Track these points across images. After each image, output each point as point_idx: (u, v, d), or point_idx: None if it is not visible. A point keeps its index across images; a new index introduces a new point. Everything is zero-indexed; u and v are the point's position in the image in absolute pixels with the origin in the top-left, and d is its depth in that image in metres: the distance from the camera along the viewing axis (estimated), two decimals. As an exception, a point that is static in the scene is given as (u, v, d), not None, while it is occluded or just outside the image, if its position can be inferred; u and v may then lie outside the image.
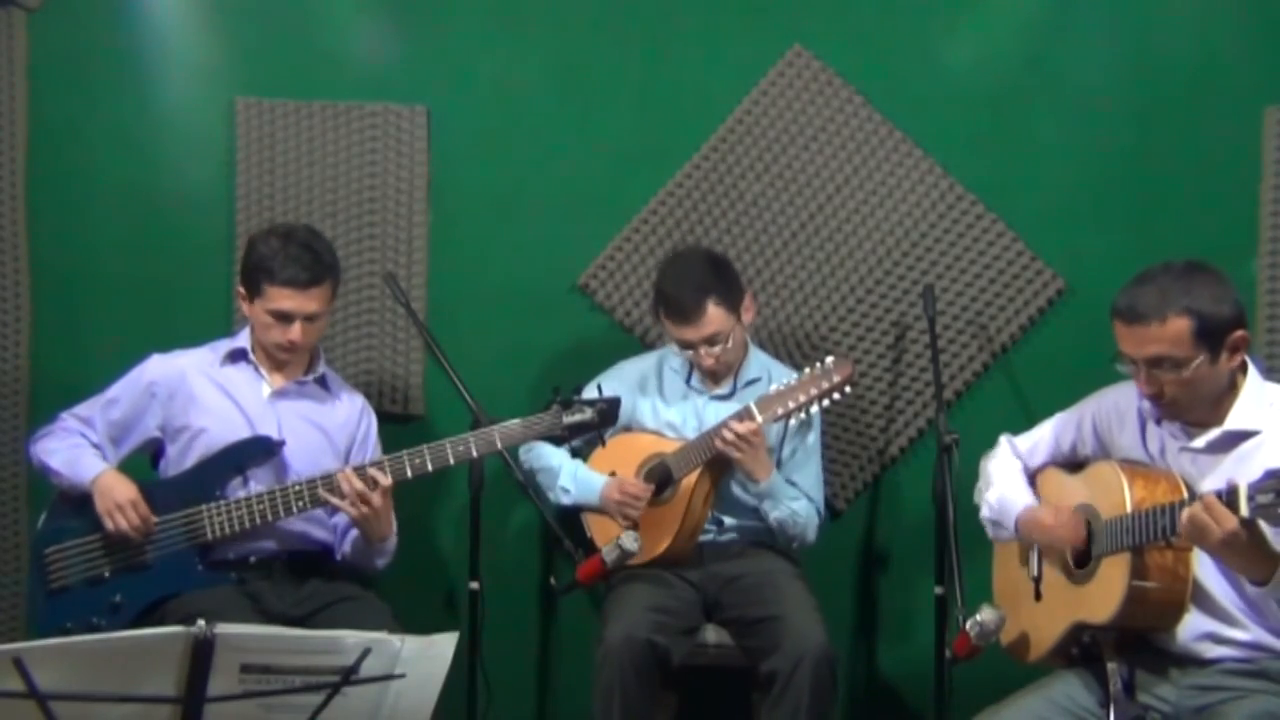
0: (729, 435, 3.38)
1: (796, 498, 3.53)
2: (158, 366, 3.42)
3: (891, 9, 3.88)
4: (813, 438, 3.61)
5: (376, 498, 3.22)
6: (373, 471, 3.24)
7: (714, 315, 3.45)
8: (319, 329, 3.41)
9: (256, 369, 3.42)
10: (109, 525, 3.22)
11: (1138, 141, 3.82)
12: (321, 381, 3.48)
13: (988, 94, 3.86)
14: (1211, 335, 2.66)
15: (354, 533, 3.38)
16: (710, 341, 3.47)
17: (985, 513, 3.11)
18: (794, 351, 3.89)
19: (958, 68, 3.86)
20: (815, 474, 3.62)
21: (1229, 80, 3.77)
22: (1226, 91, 3.77)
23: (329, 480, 3.24)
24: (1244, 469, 2.64)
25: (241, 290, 3.38)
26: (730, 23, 3.91)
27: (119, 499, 3.22)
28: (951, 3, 3.88)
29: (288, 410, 3.40)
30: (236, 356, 3.43)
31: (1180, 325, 2.65)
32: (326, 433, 3.43)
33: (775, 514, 3.51)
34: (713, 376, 3.60)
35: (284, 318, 3.31)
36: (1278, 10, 3.76)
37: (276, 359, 3.41)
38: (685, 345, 3.50)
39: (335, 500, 3.23)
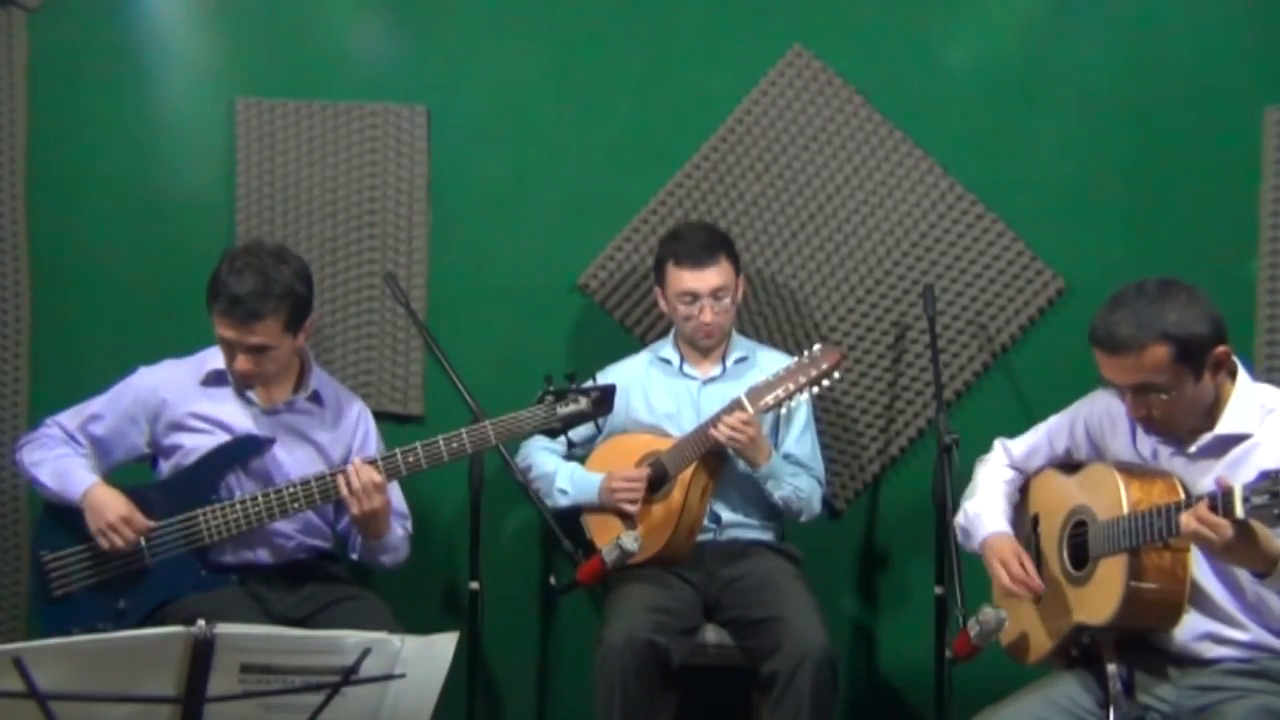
0: (725, 430, 3.38)
1: (796, 474, 3.56)
2: (143, 384, 3.35)
3: (891, 9, 3.88)
4: (804, 412, 3.63)
5: (376, 496, 3.21)
6: (366, 470, 3.20)
7: (724, 267, 3.53)
8: (278, 359, 3.25)
9: (238, 390, 3.34)
10: (103, 544, 3.18)
11: (1138, 141, 3.82)
12: (315, 398, 3.39)
13: (988, 94, 3.86)
14: (1192, 357, 2.64)
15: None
16: (715, 294, 3.51)
17: (959, 519, 3.12)
18: (794, 351, 3.88)
19: (958, 68, 3.86)
20: (811, 445, 3.65)
21: (1229, 80, 3.77)
22: (1226, 91, 3.77)
23: (324, 478, 3.22)
24: (1237, 472, 2.64)
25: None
26: (730, 23, 3.91)
27: (110, 518, 3.16)
28: (951, 3, 3.88)
29: (279, 431, 3.33)
30: (218, 379, 3.33)
31: (1159, 353, 2.63)
32: (321, 449, 3.38)
33: (779, 493, 3.53)
34: (704, 348, 3.62)
35: (227, 345, 3.22)
36: (1278, 10, 3.76)
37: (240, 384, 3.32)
38: (690, 298, 3.53)
39: (343, 491, 3.19)
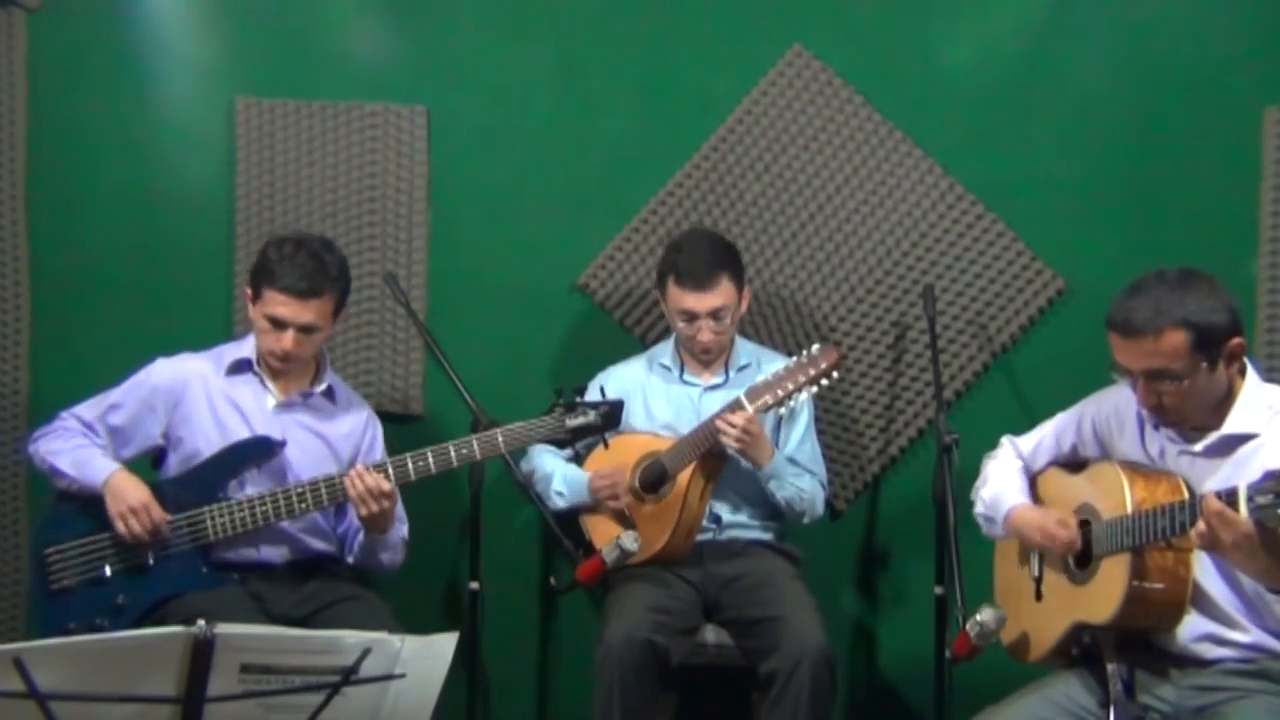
0: (728, 430, 3.38)
1: (800, 475, 3.56)
2: (162, 373, 3.37)
3: (891, 9, 3.88)
4: (805, 416, 3.62)
5: (384, 500, 3.21)
6: (374, 476, 3.20)
7: (725, 288, 3.49)
8: (316, 341, 3.35)
9: (261, 380, 3.37)
10: (121, 529, 3.19)
11: (1138, 141, 3.82)
12: (328, 394, 3.43)
13: (988, 94, 3.86)
14: (1209, 346, 2.64)
15: (361, 536, 3.37)
16: (715, 315, 3.49)
17: (979, 508, 3.12)
18: (794, 351, 3.88)
19: (958, 68, 3.86)
20: (812, 448, 3.64)
21: (1229, 80, 3.77)
22: (1226, 91, 3.77)
23: (332, 481, 3.23)
24: (1243, 472, 2.63)
25: (248, 291, 3.34)
26: (730, 23, 3.91)
27: (132, 502, 3.19)
28: (951, 3, 3.88)
29: (292, 423, 3.36)
30: (241, 367, 3.38)
31: (1177, 338, 2.63)
32: (331, 444, 3.40)
33: (782, 494, 3.52)
34: (704, 360, 3.62)
35: (278, 324, 3.26)
36: (1278, 10, 3.77)
37: (274, 367, 3.36)
38: (689, 317, 3.52)
39: (351, 494, 3.20)
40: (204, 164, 3.98)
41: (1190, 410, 2.71)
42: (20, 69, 3.93)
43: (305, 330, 3.27)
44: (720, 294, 3.49)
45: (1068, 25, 3.82)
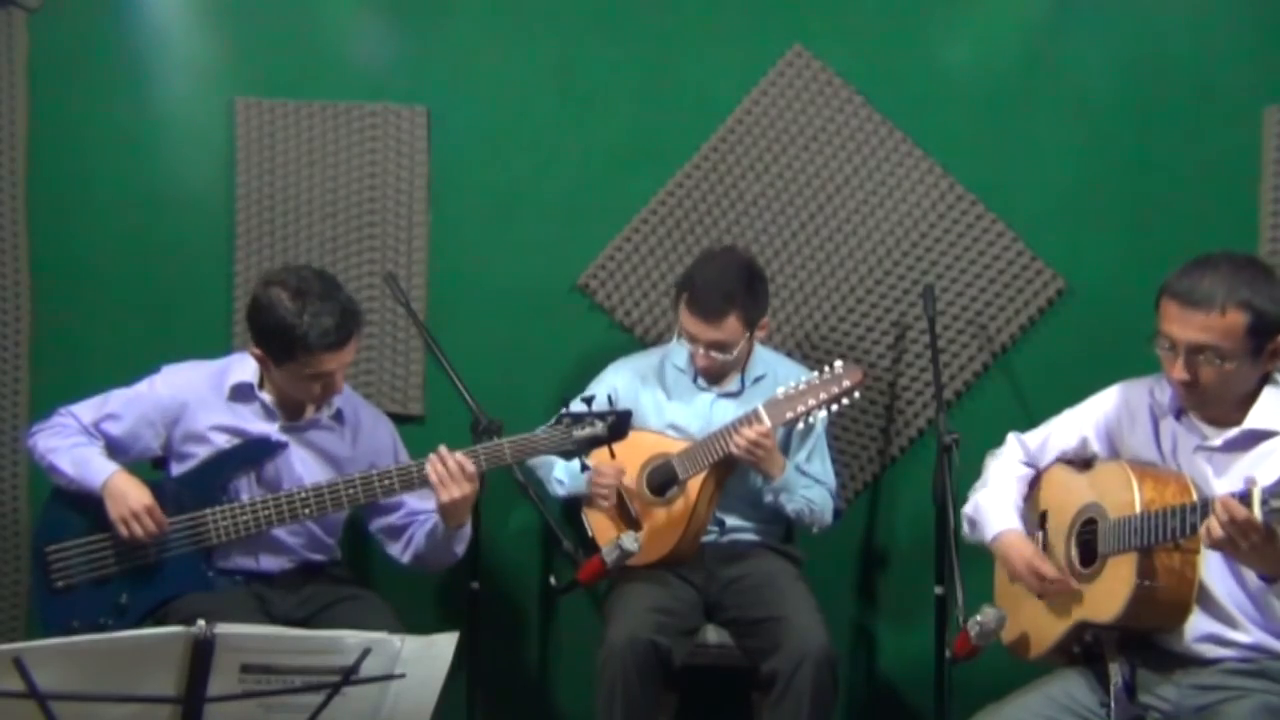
0: (742, 441, 3.37)
1: (810, 486, 3.55)
2: (165, 387, 3.32)
3: (891, 9, 3.88)
4: (818, 429, 3.60)
5: (465, 484, 3.15)
6: (456, 453, 3.16)
7: (731, 326, 3.44)
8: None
9: (264, 406, 3.31)
10: (123, 532, 3.17)
11: (1138, 141, 3.82)
12: (337, 416, 3.37)
13: (988, 94, 3.86)
14: (1261, 334, 2.66)
15: (428, 526, 3.31)
16: (717, 347, 3.47)
17: (967, 508, 3.12)
18: (794, 352, 3.89)
19: (958, 68, 3.86)
20: (824, 460, 3.63)
21: (1229, 80, 3.77)
22: (1226, 91, 3.77)
23: (349, 481, 3.19)
24: (1259, 469, 2.65)
25: (259, 352, 3.20)
26: (730, 23, 3.91)
27: (133, 506, 3.16)
28: (951, 3, 3.88)
29: (299, 445, 3.32)
30: (243, 392, 3.31)
31: (1237, 319, 2.65)
32: (339, 465, 3.35)
33: (791, 506, 3.51)
34: (706, 375, 3.60)
35: (318, 378, 3.19)
36: (1278, 10, 3.77)
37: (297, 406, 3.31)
38: (691, 339, 3.50)
39: (432, 477, 3.14)
40: (204, 164, 3.98)
41: (1219, 395, 2.72)
42: (20, 69, 3.94)
43: (337, 372, 3.23)
44: (724, 330, 3.44)
45: (1068, 25, 3.82)
